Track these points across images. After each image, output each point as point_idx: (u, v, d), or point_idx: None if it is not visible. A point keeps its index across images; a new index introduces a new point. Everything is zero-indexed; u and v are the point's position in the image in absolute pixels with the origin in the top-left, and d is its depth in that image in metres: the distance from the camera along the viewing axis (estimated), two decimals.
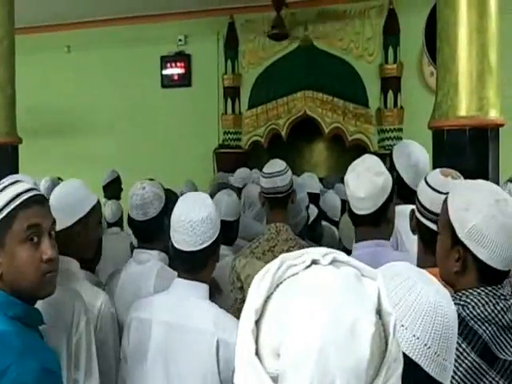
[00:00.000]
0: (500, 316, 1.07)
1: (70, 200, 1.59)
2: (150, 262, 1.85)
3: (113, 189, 4.28)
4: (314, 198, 3.01)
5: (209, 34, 5.73)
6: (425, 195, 1.40)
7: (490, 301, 1.09)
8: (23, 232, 1.12)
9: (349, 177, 1.55)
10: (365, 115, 5.39)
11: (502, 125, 2.10)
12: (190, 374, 1.45)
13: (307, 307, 0.53)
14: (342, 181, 3.79)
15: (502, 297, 1.09)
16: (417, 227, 1.43)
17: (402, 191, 1.82)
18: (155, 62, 5.93)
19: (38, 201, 1.16)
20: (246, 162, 5.11)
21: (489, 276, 1.12)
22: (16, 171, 2.46)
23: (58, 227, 1.57)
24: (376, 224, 1.54)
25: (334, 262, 0.57)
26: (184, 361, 1.45)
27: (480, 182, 1.22)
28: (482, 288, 1.10)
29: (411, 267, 0.79)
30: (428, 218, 1.38)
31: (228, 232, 2.37)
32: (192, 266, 1.50)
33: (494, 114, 2.05)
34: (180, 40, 5.88)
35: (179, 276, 1.53)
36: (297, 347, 0.51)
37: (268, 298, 0.56)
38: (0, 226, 1.13)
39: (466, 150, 2.05)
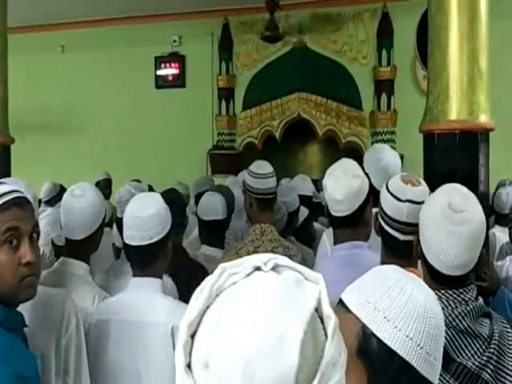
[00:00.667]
0: (457, 320, 1.07)
1: (95, 207, 1.66)
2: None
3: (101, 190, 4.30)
4: (307, 201, 3.01)
5: (203, 35, 5.74)
6: (385, 201, 1.41)
7: (450, 305, 1.09)
8: (1, 235, 1.11)
9: (327, 180, 1.57)
10: (358, 118, 5.42)
11: (491, 129, 2.12)
12: (156, 367, 1.47)
13: (238, 317, 0.52)
14: None
15: (463, 302, 1.09)
16: (380, 231, 1.44)
17: (373, 196, 1.83)
18: (149, 62, 5.93)
19: (18, 203, 1.14)
20: (239, 163, 5.12)
21: (441, 279, 1.12)
22: (8, 171, 2.45)
23: (83, 234, 1.64)
24: (353, 225, 1.55)
25: (276, 267, 0.57)
26: (145, 355, 1.47)
27: (448, 185, 1.23)
28: (443, 292, 1.11)
29: (398, 270, 0.80)
30: (387, 223, 1.39)
31: (211, 231, 2.39)
32: (143, 260, 1.52)
33: (484, 119, 2.07)
34: (174, 41, 5.88)
35: (134, 275, 1.55)
36: (224, 359, 0.51)
37: (207, 308, 0.55)
38: None
39: (456, 154, 2.07)
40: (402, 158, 5.11)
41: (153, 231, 1.50)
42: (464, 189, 1.19)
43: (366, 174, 1.84)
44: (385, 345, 0.72)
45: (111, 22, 5.82)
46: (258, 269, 0.57)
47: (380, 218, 1.42)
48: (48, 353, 1.30)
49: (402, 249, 1.34)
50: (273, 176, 2.15)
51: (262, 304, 0.53)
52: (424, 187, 1.41)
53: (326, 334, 0.54)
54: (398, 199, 1.37)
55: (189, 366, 0.54)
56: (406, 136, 5.00)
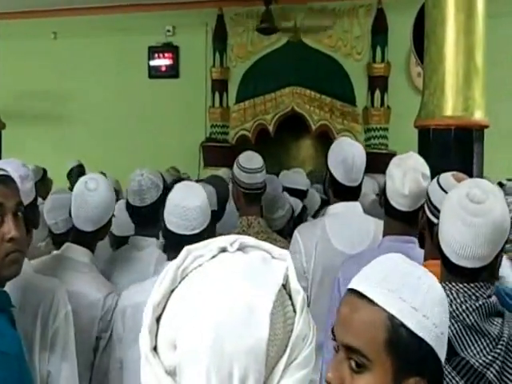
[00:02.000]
0: (464, 315, 1.06)
1: (108, 200, 1.68)
2: (149, 248, 1.87)
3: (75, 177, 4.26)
4: (301, 194, 3.00)
5: (197, 26, 5.70)
6: (435, 196, 1.41)
7: (458, 297, 1.09)
8: None
9: (395, 171, 1.57)
10: (352, 113, 5.42)
11: (486, 126, 2.13)
12: None
13: (204, 296, 0.52)
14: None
15: (474, 297, 1.08)
16: (427, 225, 1.45)
17: (337, 189, 1.84)
18: (143, 52, 5.87)
19: (2, 181, 1.15)
20: (232, 156, 5.09)
21: (451, 269, 1.12)
22: None
23: (95, 227, 1.65)
24: (410, 222, 1.56)
25: (242, 247, 0.57)
26: None
27: (472, 179, 1.24)
28: (454, 284, 1.10)
29: (405, 258, 0.80)
30: (437, 217, 1.38)
31: None
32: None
33: (479, 115, 2.08)
34: (168, 31, 5.83)
35: (169, 259, 1.55)
36: (191, 336, 0.51)
37: (172, 291, 0.55)
38: None
39: (451, 150, 2.08)
40: (394, 155, 5.16)
41: (196, 222, 1.53)
42: (490, 184, 1.18)
43: (329, 169, 1.85)
44: (414, 334, 0.72)
45: (105, 9, 5.76)
46: (223, 250, 0.57)
47: (429, 212, 1.43)
48: (32, 338, 1.29)
49: None
50: (262, 170, 2.14)
51: (228, 281, 0.53)
52: None
53: (294, 310, 0.55)
54: None
55: (155, 349, 0.54)
56: (398, 133, 5.02)
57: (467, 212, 1.09)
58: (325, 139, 5.49)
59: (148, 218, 1.90)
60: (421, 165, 1.60)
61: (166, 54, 5.88)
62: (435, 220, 1.40)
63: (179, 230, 1.53)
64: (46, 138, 5.93)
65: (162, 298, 0.54)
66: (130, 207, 1.93)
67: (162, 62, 5.90)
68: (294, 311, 0.55)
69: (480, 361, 1.03)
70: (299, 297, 0.55)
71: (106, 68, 5.90)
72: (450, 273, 1.13)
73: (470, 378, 1.03)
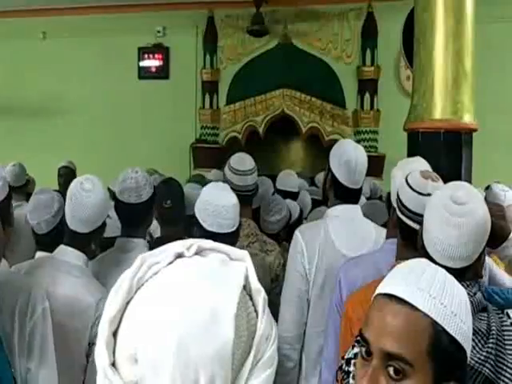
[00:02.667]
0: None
1: (104, 201, 1.68)
2: (137, 249, 1.84)
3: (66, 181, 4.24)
4: (292, 196, 2.99)
5: (188, 27, 5.68)
6: (405, 195, 1.43)
7: None
8: None
9: (397, 173, 1.58)
10: (342, 116, 5.44)
11: (475, 129, 2.14)
12: None
13: (162, 304, 0.51)
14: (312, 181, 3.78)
15: None
16: (397, 223, 1.46)
17: (338, 190, 1.84)
18: (133, 52, 5.84)
19: None
20: (223, 157, 5.10)
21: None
22: None
23: (90, 228, 1.65)
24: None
25: (200, 251, 0.56)
26: None
27: (455, 182, 1.25)
28: None
29: (429, 262, 0.80)
30: (407, 216, 1.42)
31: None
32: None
33: (468, 119, 2.09)
34: (158, 31, 5.81)
35: None
36: (153, 347, 0.49)
37: (128, 303, 0.53)
38: None
39: (440, 153, 2.08)
40: (383, 157, 5.20)
41: (236, 219, 1.63)
42: (471, 187, 1.20)
43: (331, 171, 1.84)
44: (454, 339, 0.72)
45: (95, 9, 5.72)
46: (180, 255, 0.55)
47: (399, 212, 1.44)
48: (11, 336, 1.28)
49: None
50: (253, 173, 2.12)
51: (188, 287, 0.51)
52: (441, 183, 1.45)
53: (256, 311, 0.54)
54: (419, 193, 1.40)
55: (113, 364, 0.52)
56: (388, 136, 5.05)
57: (451, 213, 1.11)
58: (315, 141, 5.51)
59: (142, 215, 1.89)
60: (424, 168, 1.61)
61: (156, 55, 5.86)
62: (405, 219, 1.42)
63: (223, 229, 1.60)
64: (33, 137, 5.88)
65: (117, 311, 0.52)
66: (122, 206, 1.91)
67: (152, 62, 5.88)
68: (255, 311, 0.54)
69: (475, 358, 1.04)
70: (260, 297, 0.54)
71: (95, 68, 5.86)
72: None
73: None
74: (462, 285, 1.10)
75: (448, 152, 2.09)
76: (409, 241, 1.40)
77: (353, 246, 1.74)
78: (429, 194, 1.36)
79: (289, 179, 3.14)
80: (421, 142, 2.14)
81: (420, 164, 1.64)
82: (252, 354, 0.52)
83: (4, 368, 1.14)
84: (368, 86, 5.36)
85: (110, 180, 5.05)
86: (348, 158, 1.81)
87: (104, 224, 1.71)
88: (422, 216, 1.29)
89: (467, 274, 1.11)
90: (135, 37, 5.75)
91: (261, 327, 0.53)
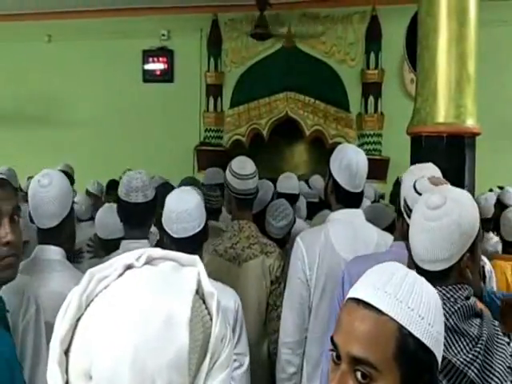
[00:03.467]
0: (444, 318, 1.08)
1: (63, 194, 1.65)
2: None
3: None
4: (291, 199, 2.99)
5: (192, 31, 5.71)
6: (411, 200, 1.45)
7: None
8: None
9: (406, 178, 1.60)
10: (345, 119, 5.45)
11: (478, 133, 2.14)
12: None
13: (114, 317, 0.50)
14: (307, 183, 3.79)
15: (452, 299, 1.11)
16: (406, 230, 1.48)
17: (339, 194, 1.84)
18: (137, 55, 5.87)
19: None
20: (226, 160, 5.09)
21: (418, 272, 1.15)
22: None
23: (54, 222, 1.62)
24: None
25: (149, 260, 0.56)
26: None
27: (441, 186, 1.28)
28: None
29: (402, 265, 0.81)
30: None
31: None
32: (191, 250, 1.53)
33: (471, 122, 2.09)
34: (163, 35, 5.84)
35: None
36: (108, 361, 0.49)
37: (78, 320, 0.52)
38: None
39: (443, 156, 2.08)
40: (387, 161, 5.20)
41: (201, 219, 1.64)
42: (455, 191, 1.20)
43: (332, 175, 1.84)
44: (422, 344, 0.72)
45: (100, 13, 5.75)
46: (130, 267, 0.55)
47: (407, 217, 1.46)
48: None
49: None
50: (254, 177, 2.13)
51: (139, 298, 0.51)
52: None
53: (209, 313, 0.54)
54: None
55: (67, 383, 0.51)
56: (392, 139, 5.04)
57: (424, 218, 1.14)
58: (318, 145, 5.51)
59: (147, 215, 1.91)
60: (433, 173, 1.61)
61: (161, 58, 5.88)
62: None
63: (187, 232, 1.60)
64: (38, 140, 5.91)
65: (68, 330, 0.51)
66: (128, 207, 1.91)
67: (157, 66, 5.90)
68: (209, 314, 0.54)
69: (461, 359, 1.04)
70: (213, 300, 0.54)
71: (100, 71, 5.89)
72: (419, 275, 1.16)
73: (452, 377, 1.05)
74: (453, 288, 1.11)
75: (451, 156, 2.09)
76: None
77: (353, 250, 1.74)
78: None
79: (289, 182, 3.14)
80: (424, 146, 2.14)
81: (431, 171, 1.64)
82: (208, 357, 0.52)
83: (17, 376, 1.14)
84: (372, 89, 5.36)
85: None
86: (349, 162, 1.81)
87: (71, 213, 1.69)
88: None
89: (451, 277, 1.13)
90: (140, 40, 5.78)
91: (215, 329, 0.53)
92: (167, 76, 5.88)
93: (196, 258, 0.57)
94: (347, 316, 0.75)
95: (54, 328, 0.52)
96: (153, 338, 0.49)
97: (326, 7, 5.45)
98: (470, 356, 1.05)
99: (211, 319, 0.54)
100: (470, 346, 1.06)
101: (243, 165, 2.13)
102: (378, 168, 4.70)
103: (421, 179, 1.47)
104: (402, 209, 1.50)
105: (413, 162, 2.20)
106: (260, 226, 2.27)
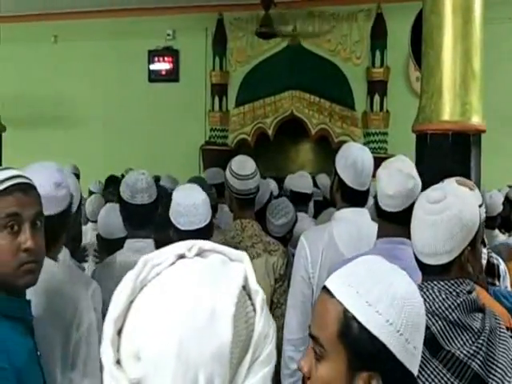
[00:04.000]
0: (447, 312, 1.09)
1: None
2: (147, 250, 1.86)
3: None
4: (305, 198, 3.00)
5: (197, 30, 5.72)
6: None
7: (440, 295, 1.12)
8: (1, 220, 1.10)
9: (381, 172, 1.59)
10: (351, 118, 5.44)
11: (483, 130, 2.13)
12: None
13: (164, 305, 0.52)
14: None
15: (454, 293, 1.11)
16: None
17: (346, 193, 1.84)
18: (143, 55, 5.89)
19: (21, 189, 1.12)
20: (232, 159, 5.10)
21: (421, 267, 1.18)
22: None
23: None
24: (400, 223, 1.57)
25: (200, 252, 0.58)
26: None
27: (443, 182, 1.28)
28: (435, 282, 1.14)
29: (383, 260, 0.82)
30: None
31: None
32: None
33: (476, 120, 2.09)
34: (168, 35, 5.85)
35: None
36: (155, 347, 0.51)
37: (131, 302, 0.55)
38: None
39: (448, 154, 2.08)
40: None
41: (207, 215, 1.71)
42: (457, 187, 1.21)
43: (338, 174, 1.84)
44: (365, 329, 0.74)
45: (105, 13, 5.78)
46: (182, 257, 0.57)
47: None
48: (54, 347, 1.29)
49: None
50: (254, 176, 2.13)
51: (188, 288, 0.53)
52: (477, 192, 1.49)
53: (254, 310, 0.55)
54: None
55: (118, 362, 0.53)
56: (398, 137, 5.03)
57: (425, 212, 1.16)
58: (324, 143, 5.50)
59: (152, 214, 1.92)
60: (407, 166, 1.61)
61: (166, 58, 5.90)
62: None
63: (193, 226, 1.66)
64: (45, 141, 5.94)
65: (122, 311, 0.54)
66: (134, 208, 1.92)
67: (162, 65, 5.92)
68: (254, 310, 0.55)
69: (464, 352, 1.06)
70: (258, 297, 0.55)
71: (106, 72, 5.91)
72: (423, 272, 1.17)
73: (456, 370, 1.06)
74: (455, 282, 1.12)
75: (456, 153, 2.08)
76: None
77: (356, 249, 1.74)
78: None
79: (303, 181, 3.15)
80: (429, 144, 2.13)
81: (401, 162, 1.63)
82: (250, 353, 0.53)
83: (38, 381, 1.15)
84: (377, 88, 5.35)
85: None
86: (354, 159, 1.81)
87: (66, 212, 1.62)
88: None
89: (452, 271, 1.14)
90: (145, 40, 5.80)
91: (259, 326, 0.54)
92: (173, 76, 5.90)
93: (244, 254, 0.59)
94: (317, 301, 0.83)
95: (109, 308, 0.55)
96: (198, 330, 0.51)
97: (331, 5, 5.45)
98: (474, 348, 1.06)
99: (255, 316, 0.55)
100: (473, 339, 1.07)
101: (243, 165, 2.13)
102: None
103: (448, 180, 1.49)
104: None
105: (418, 160, 2.20)
106: (261, 224, 2.28)
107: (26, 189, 1.15)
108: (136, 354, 0.52)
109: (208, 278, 0.54)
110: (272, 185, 3.07)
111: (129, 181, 1.92)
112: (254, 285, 0.56)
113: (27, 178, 1.17)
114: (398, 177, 1.57)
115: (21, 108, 5.80)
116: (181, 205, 1.70)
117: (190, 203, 1.69)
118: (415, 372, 0.76)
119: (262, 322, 0.55)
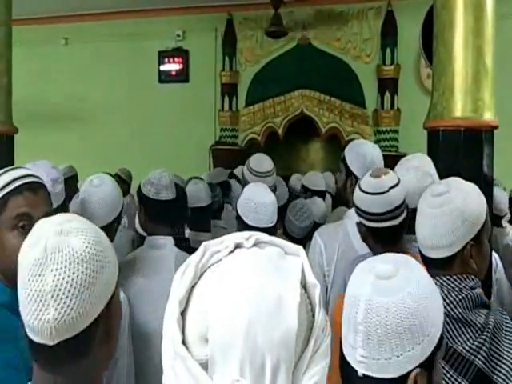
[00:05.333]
0: (449, 308, 1.08)
1: (113, 198, 1.73)
2: (167, 246, 1.89)
3: (70, 185, 4.24)
4: (320, 195, 3.05)
5: (207, 30, 5.73)
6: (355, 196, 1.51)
7: (442, 290, 1.10)
8: (12, 219, 1.11)
9: (398, 170, 1.60)
10: (361, 116, 5.41)
11: (496, 127, 2.11)
12: None
13: (230, 290, 0.53)
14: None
15: (457, 289, 1.10)
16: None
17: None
18: (153, 56, 5.92)
19: (32, 188, 1.14)
20: (242, 159, 5.11)
21: (424, 260, 1.17)
22: (11, 161, 2.45)
23: (100, 224, 1.68)
24: (414, 220, 1.57)
25: (257, 243, 0.58)
26: None
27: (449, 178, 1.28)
28: (438, 278, 1.13)
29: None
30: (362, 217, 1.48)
31: (200, 217, 2.41)
32: None
33: (488, 116, 2.06)
34: (178, 35, 5.87)
35: None
36: (224, 330, 0.51)
37: (193, 287, 0.56)
38: None
39: (460, 151, 2.06)
40: (404, 156, 5.14)
41: (274, 216, 1.76)
42: (461, 181, 1.20)
43: (348, 167, 1.84)
44: None
45: (115, 15, 5.81)
46: (239, 246, 0.58)
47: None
48: None
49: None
50: (271, 174, 2.14)
51: (252, 275, 0.54)
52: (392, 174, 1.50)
53: (310, 303, 0.56)
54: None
55: (183, 343, 0.54)
56: (408, 135, 5.00)
57: (427, 205, 1.15)
58: (334, 142, 5.49)
59: (175, 211, 1.95)
60: (424, 164, 1.61)
61: (176, 59, 5.92)
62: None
63: (261, 224, 1.70)
64: (57, 143, 5.99)
65: (185, 293, 0.55)
66: (158, 205, 1.95)
67: (172, 66, 5.94)
68: (311, 304, 0.56)
69: (467, 348, 1.04)
70: (316, 290, 0.56)
71: (116, 73, 5.95)
72: (426, 266, 1.16)
73: (458, 367, 1.05)
74: (458, 278, 1.11)
75: (469, 150, 2.06)
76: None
77: None
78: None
79: (317, 179, 3.23)
80: (441, 141, 2.11)
81: (419, 159, 1.64)
82: (312, 343, 0.54)
83: None
84: (388, 85, 5.31)
85: (132, 181, 5.09)
86: (372, 159, 1.82)
87: (116, 221, 1.73)
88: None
89: (454, 265, 1.12)
90: (155, 41, 5.82)
91: (318, 319, 0.55)
92: (183, 76, 5.91)
93: (300, 248, 0.59)
94: None
95: (171, 290, 0.56)
96: (265, 314, 0.51)
97: (340, 3, 5.43)
98: (476, 344, 1.04)
99: (312, 309, 0.56)
100: (477, 335, 1.05)
101: (261, 162, 2.15)
102: (394, 164, 4.64)
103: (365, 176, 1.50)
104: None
105: (430, 157, 2.18)
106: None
107: (36, 188, 1.16)
108: (203, 335, 0.53)
109: (269, 267, 0.55)
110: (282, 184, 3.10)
111: (153, 178, 1.95)
112: (311, 278, 0.57)
113: (37, 177, 1.18)
114: (414, 174, 1.56)
115: (32, 109, 5.85)
116: (252, 201, 1.75)
117: (260, 201, 1.74)
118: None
119: (321, 315, 0.56)
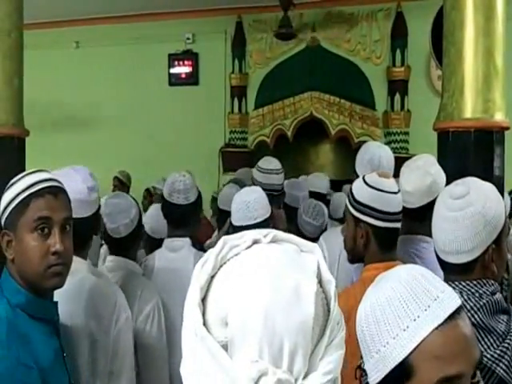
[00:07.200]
0: (469, 314, 1.05)
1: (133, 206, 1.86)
2: (185, 248, 1.92)
3: None
4: (320, 198, 3.00)
5: (216, 33, 5.75)
6: (358, 190, 1.49)
7: (462, 296, 1.08)
8: (33, 222, 1.13)
9: (403, 170, 1.59)
10: (371, 118, 5.39)
11: (507, 128, 2.09)
12: None
13: (250, 278, 0.55)
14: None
15: (477, 294, 1.08)
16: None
17: None
18: (163, 59, 5.95)
19: (52, 192, 1.15)
20: (251, 161, 5.12)
21: (442, 265, 1.15)
22: (23, 164, 2.47)
23: (125, 232, 1.77)
24: (420, 220, 1.56)
25: (274, 240, 0.60)
26: None
27: (465, 179, 1.26)
28: (457, 283, 1.10)
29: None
30: (361, 212, 1.48)
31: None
32: None
33: (499, 117, 2.05)
34: (188, 38, 5.90)
35: None
36: (243, 313, 0.53)
37: (212, 277, 0.58)
38: (15, 211, 1.14)
39: (470, 152, 2.04)
40: None
41: (259, 212, 1.80)
42: (479, 182, 1.18)
43: (357, 174, 1.84)
44: None
45: (125, 18, 5.86)
46: (257, 242, 0.59)
47: (351, 208, 1.49)
48: (99, 338, 1.36)
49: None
50: (279, 173, 2.16)
51: (272, 267, 0.55)
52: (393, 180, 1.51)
53: (326, 298, 0.58)
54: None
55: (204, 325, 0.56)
56: (419, 137, 4.97)
57: (447, 208, 1.11)
58: (344, 144, 5.47)
59: (187, 216, 1.98)
60: (427, 164, 1.60)
61: (186, 62, 5.94)
62: (357, 214, 1.43)
63: (245, 221, 1.73)
64: (68, 145, 6.04)
65: (205, 281, 0.57)
66: (170, 207, 1.99)
67: (182, 69, 5.96)
68: (325, 299, 0.58)
69: (488, 355, 1.01)
70: (332, 286, 0.58)
71: (127, 76, 5.98)
72: (444, 271, 1.14)
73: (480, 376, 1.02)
74: (478, 283, 1.08)
75: (479, 151, 2.04)
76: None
77: None
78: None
79: (318, 181, 3.20)
80: (451, 142, 2.10)
81: (424, 160, 1.63)
82: (327, 334, 0.55)
83: (63, 381, 1.18)
84: (398, 87, 5.29)
85: (141, 184, 5.13)
86: (371, 155, 1.82)
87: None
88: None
89: (475, 270, 1.10)
90: (165, 44, 5.85)
91: (334, 312, 0.57)
92: (192, 79, 5.94)
93: (316, 245, 0.61)
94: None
95: (192, 279, 0.58)
96: (283, 300, 0.53)
97: (350, 5, 5.42)
98: (498, 352, 1.01)
99: (328, 304, 0.57)
100: (498, 342, 1.03)
101: (268, 161, 2.20)
102: None
103: (370, 174, 1.49)
104: (348, 203, 1.49)
105: (440, 158, 2.16)
106: (289, 224, 2.29)
107: (57, 192, 1.17)
108: (223, 318, 0.54)
109: (287, 260, 0.57)
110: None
111: (169, 180, 2.00)
112: (327, 274, 0.58)
113: (59, 182, 1.20)
114: (417, 174, 1.56)
115: (43, 112, 5.91)
116: (236, 201, 1.83)
117: (244, 200, 1.81)
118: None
119: (336, 309, 0.57)
